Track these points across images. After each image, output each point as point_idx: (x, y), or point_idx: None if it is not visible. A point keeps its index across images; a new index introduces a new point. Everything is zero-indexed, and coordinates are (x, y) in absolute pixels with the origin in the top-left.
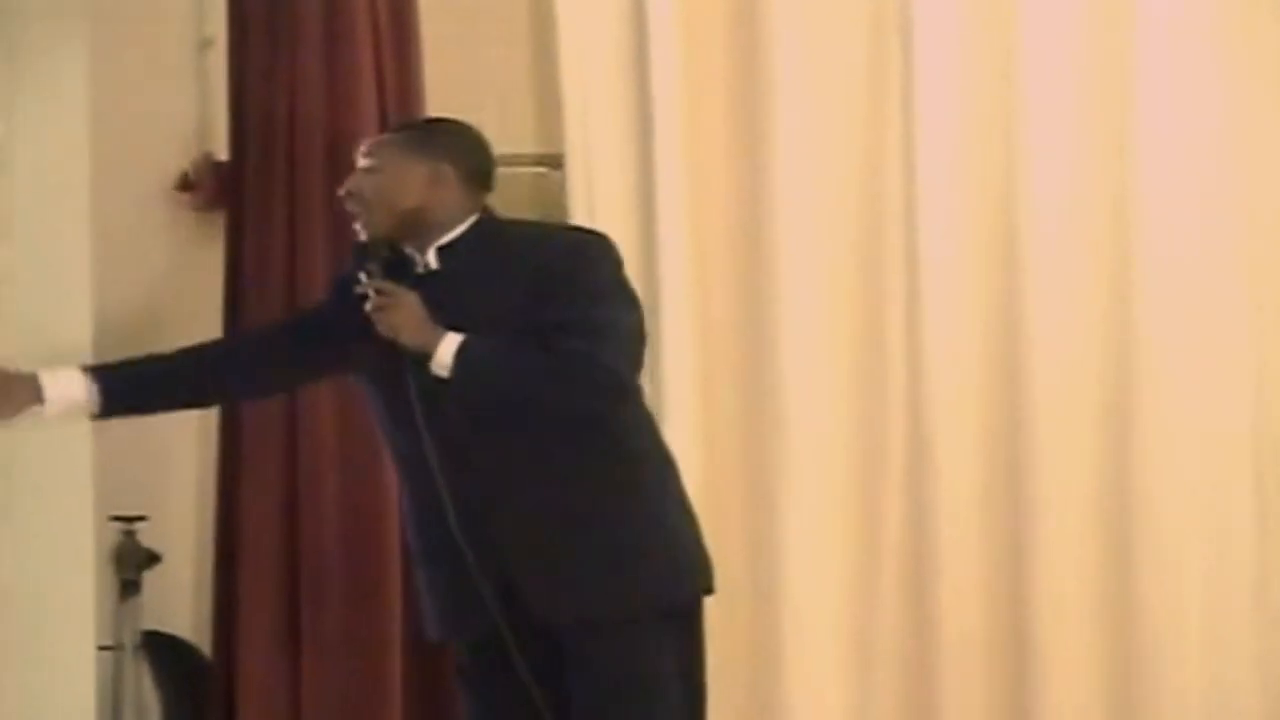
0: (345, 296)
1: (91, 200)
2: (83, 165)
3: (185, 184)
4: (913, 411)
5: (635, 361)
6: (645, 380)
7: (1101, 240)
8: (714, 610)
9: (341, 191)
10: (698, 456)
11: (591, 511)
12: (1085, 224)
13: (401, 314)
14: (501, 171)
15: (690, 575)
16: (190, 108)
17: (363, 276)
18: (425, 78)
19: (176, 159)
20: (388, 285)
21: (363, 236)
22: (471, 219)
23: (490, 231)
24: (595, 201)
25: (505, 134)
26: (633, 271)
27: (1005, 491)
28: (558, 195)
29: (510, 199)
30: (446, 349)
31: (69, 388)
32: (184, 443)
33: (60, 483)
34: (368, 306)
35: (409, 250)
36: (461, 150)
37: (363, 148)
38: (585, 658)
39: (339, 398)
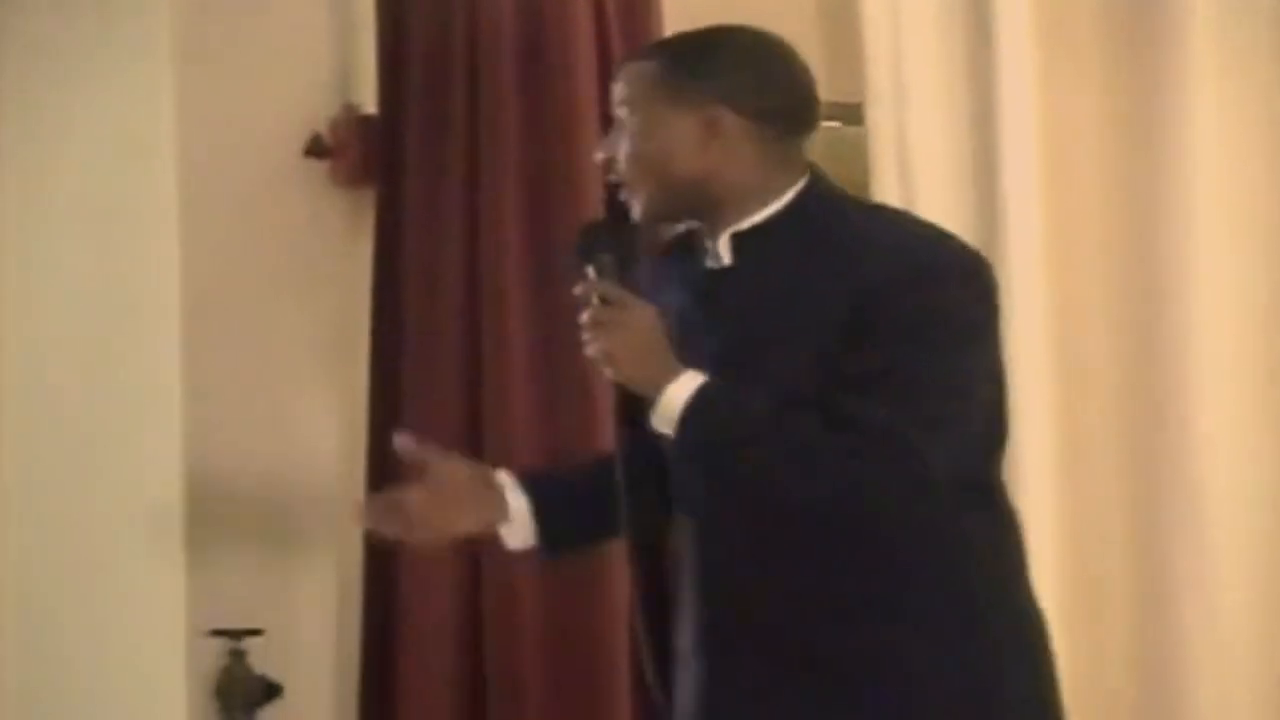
0: None
1: (181, 170)
2: (168, 119)
3: (319, 148)
4: None
5: (968, 452)
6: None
7: None
8: None
9: (598, 157)
10: (1054, 527)
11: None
12: None
13: (622, 336)
14: None
15: None
16: (322, 44)
17: (589, 272)
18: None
19: (306, 115)
20: (614, 291)
21: (635, 215)
22: (792, 190)
23: (820, 214)
24: (911, 167)
25: None
26: None
27: None
28: (856, 157)
29: None
30: (675, 396)
31: (521, 512)
32: (313, 524)
33: (144, 584)
34: (582, 317)
35: (702, 236)
36: (743, 78)
37: (615, 83)
38: None
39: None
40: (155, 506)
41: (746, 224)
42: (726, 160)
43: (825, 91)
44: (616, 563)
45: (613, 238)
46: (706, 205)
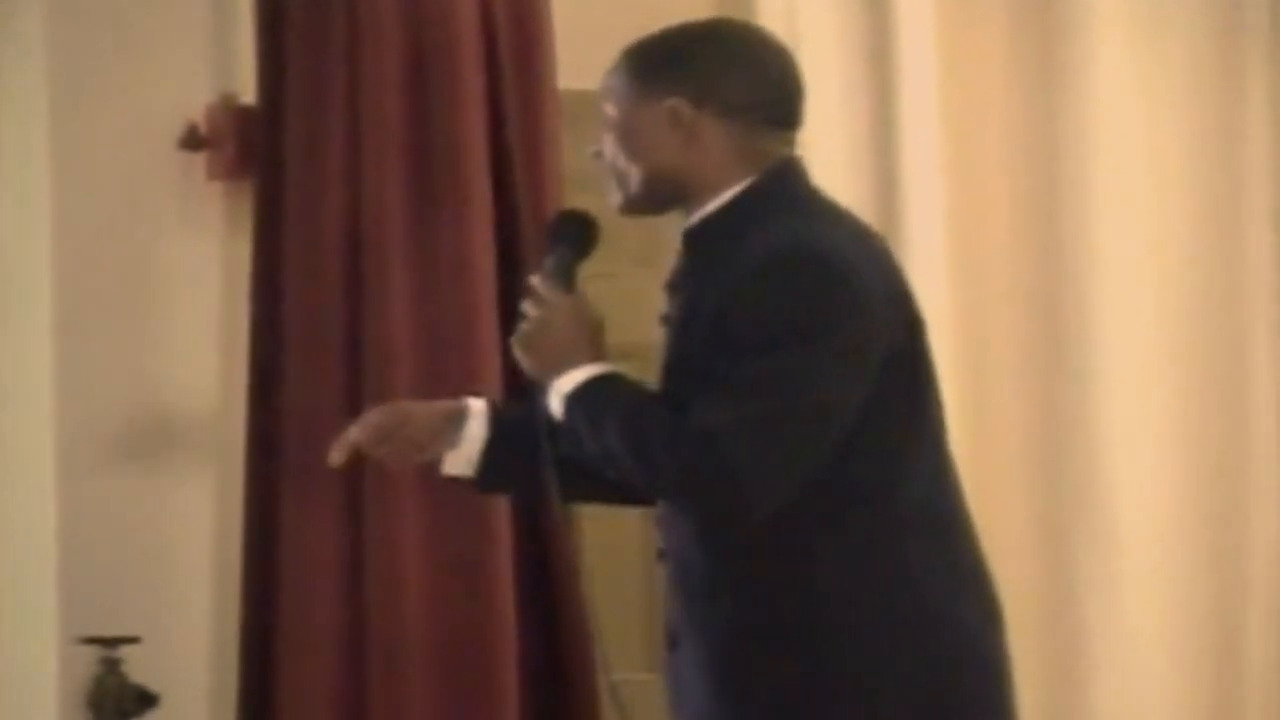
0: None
1: (53, 164)
2: (39, 109)
3: (194, 140)
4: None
5: (797, 451)
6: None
7: None
8: None
9: (590, 150)
10: None
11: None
12: None
13: (537, 331)
14: None
15: None
16: (198, 30)
17: (547, 262)
18: None
19: (180, 105)
20: (542, 288)
21: (615, 206)
22: (737, 187)
23: (748, 214)
24: (807, 151)
25: None
26: None
27: None
28: None
29: None
30: (562, 385)
31: (473, 442)
32: (192, 526)
33: (13, 588)
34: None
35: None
36: (705, 71)
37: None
38: None
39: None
40: (26, 506)
41: (695, 220)
42: (690, 152)
43: None
44: (501, 565)
45: (572, 230)
46: (678, 198)
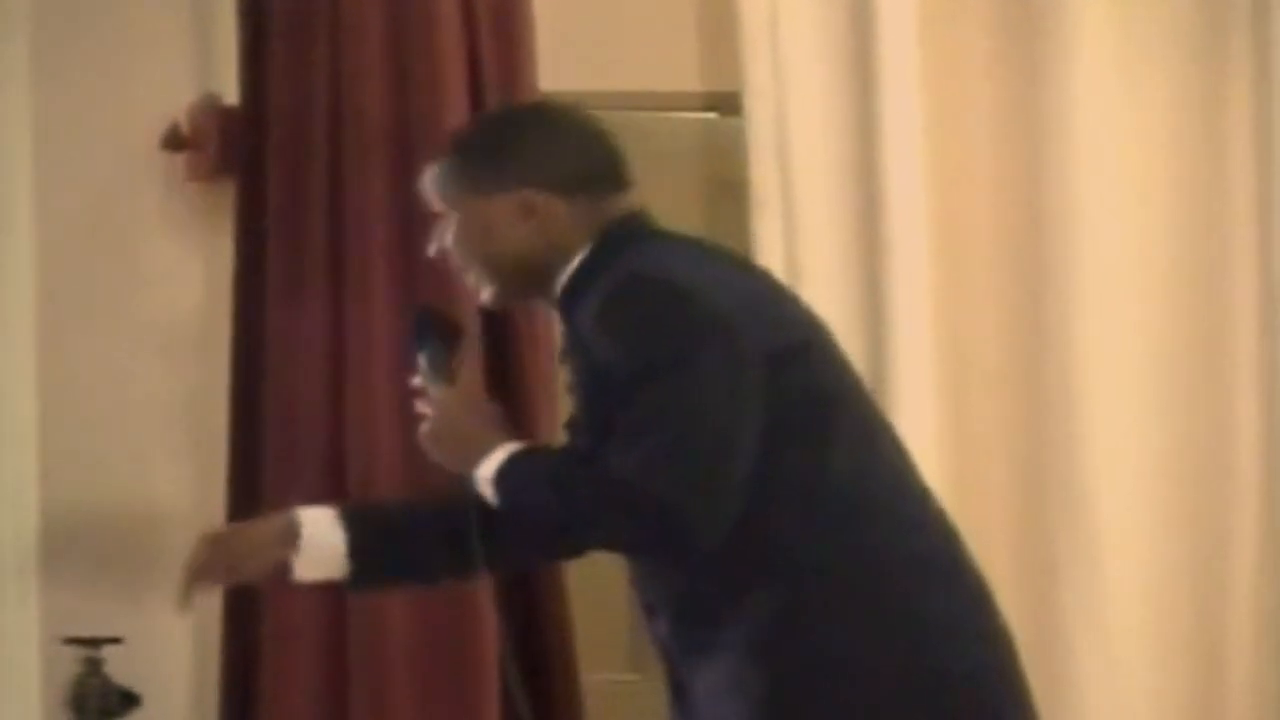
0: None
1: (34, 164)
2: (21, 109)
3: (176, 140)
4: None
5: (708, 469)
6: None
7: None
8: None
9: (431, 251)
10: None
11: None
12: None
13: (433, 427)
14: (657, 118)
15: None
16: (180, 29)
17: (420, 360)
18: None
19: (163, 105)
20: (427, 385)
21: (485, 300)
22: (587, 248)
23: (597, 265)
24: (790, 161)
25: (656, 66)
26: (849, 273)
27: None
28: (735, 150)
29: (673, 154)
30: (483, 473)
31: (328, 535)
32: (174, 528)
33: None
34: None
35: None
36: (540, 156)
37: (424, 183)
38: None
39: (408, 464)
40: (7, 508)
41: (559, 291)
42: (545, 235)
43: (699, 81)
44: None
45: (435, 327)
46: (540, 279)
